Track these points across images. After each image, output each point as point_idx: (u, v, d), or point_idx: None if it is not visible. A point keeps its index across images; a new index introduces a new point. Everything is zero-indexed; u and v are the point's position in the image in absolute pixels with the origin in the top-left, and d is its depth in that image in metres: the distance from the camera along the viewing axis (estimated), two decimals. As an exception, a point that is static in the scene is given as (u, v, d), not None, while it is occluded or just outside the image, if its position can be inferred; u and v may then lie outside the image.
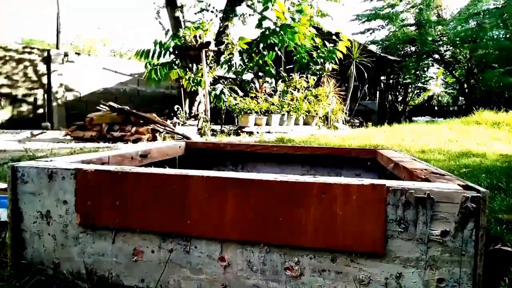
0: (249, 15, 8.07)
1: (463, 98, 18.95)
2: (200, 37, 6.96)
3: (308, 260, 0.74)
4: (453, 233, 0.69)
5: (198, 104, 7.78)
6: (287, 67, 10.15)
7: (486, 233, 0.69)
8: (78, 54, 9.87)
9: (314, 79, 8.38)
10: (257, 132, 6.58)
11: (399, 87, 18.90)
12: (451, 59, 18.41)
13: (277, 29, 6.78)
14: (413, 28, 17.59)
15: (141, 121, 5.37)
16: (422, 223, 0.70)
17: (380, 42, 18.49)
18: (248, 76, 8.24)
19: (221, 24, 7.64)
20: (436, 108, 21.78)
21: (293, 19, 7.01)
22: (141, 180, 0.78)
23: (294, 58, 8.22)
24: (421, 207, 0.69)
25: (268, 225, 0.74)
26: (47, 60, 8.89)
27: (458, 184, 0.75)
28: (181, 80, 7.30)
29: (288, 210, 0.73)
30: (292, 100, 7.72)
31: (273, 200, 0.73)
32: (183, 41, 6.97)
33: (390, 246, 0.71)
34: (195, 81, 6.98)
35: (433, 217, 0.69)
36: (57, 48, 10.81)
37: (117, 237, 0.80)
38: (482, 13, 15.72)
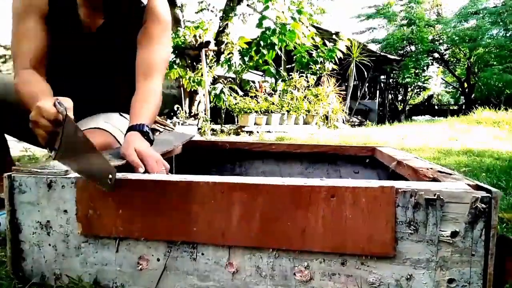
0: (249, 14, 8.06)
1: (463, 97, 18.97)
2: (199, 37, 6.95)
3: (317, 264, 0.73)
4: (463, 233, 0.68)
5: (198, 104, 7.77)
6: (287, 67, 10.14)
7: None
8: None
9: (314, 79, 8.36)
10: (257, 132, 6.57)
11: (399, 86, 18.90)
12: (451, 58, 18.44)
13: (277, 28, 6.77)
14: (409, 27, 17.60)
15: (141, 122, 5.35)
16: (432, 224, 0.69)
17: (381, 41, 18.50)
18: (250, 76, 8.22)
19: (221, 24, 7.63)
20: (436, 107, 21.82)
21: (293, 19, 7.00)
22: (143, 187, 0.76)
23: (294, 57, 8.20)
24: (431, 208, 0.68)
25: (276, 230, 0.72)
26: (47, 61, 8.85)
27: (468, 184, 0.74)
28: (181, 80, 7.28)
29: (297, 214, 0.72)
30: (292, 99, 7.69)
31: (281, 204, 0.72)
32: (182, 40, 6.96)
33: (400, 248, 0.70)
34: (195, 80, 6.96)
35: (443, 218, 0.68)
36: (56, 48, 10.76)
37: (121, 246, 0.78)
38: (481, 12, 15.75)
